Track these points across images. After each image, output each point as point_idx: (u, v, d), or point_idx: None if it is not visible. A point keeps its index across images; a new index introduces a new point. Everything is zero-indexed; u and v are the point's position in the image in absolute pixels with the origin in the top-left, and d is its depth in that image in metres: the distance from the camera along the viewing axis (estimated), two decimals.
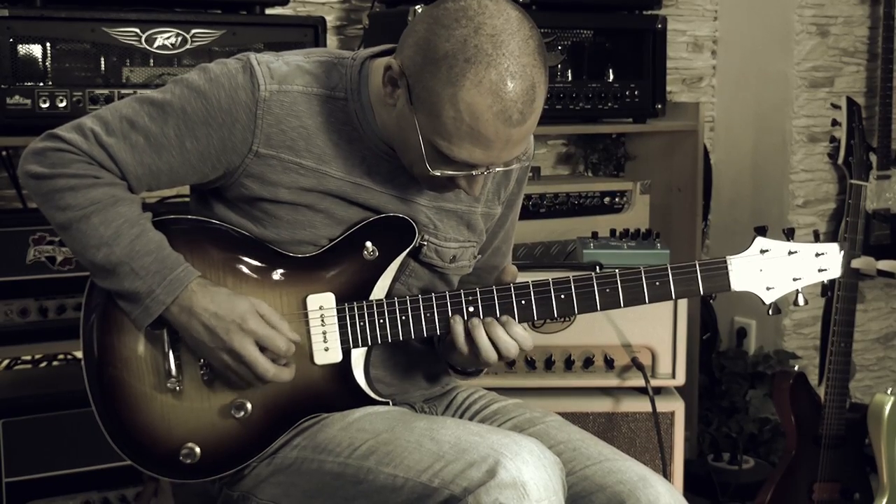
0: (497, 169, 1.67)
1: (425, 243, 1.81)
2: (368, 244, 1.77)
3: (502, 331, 1.74)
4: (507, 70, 1.56)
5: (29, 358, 2.83)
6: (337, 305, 1.76)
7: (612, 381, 2.70)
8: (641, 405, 2.66)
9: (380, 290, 1.78)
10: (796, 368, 3.20)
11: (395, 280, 1.80)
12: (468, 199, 1.84)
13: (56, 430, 2.51)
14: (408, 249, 1.79)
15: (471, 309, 1.76)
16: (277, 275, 1.76)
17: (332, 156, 1.74)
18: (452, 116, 1.58)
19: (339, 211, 1.76)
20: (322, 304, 1.75)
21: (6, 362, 2.79)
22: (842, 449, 3.00)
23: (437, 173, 1.65)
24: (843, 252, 1.83)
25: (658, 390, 2.68)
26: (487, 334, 1.74)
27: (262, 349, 1.70)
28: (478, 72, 1.56)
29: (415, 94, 1.62)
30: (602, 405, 2.68)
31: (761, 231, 1.82)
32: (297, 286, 1.76)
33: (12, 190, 2.80)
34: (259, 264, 1.76)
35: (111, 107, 1.73)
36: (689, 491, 3.07)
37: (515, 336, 1.75)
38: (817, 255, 1.82)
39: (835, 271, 1.83)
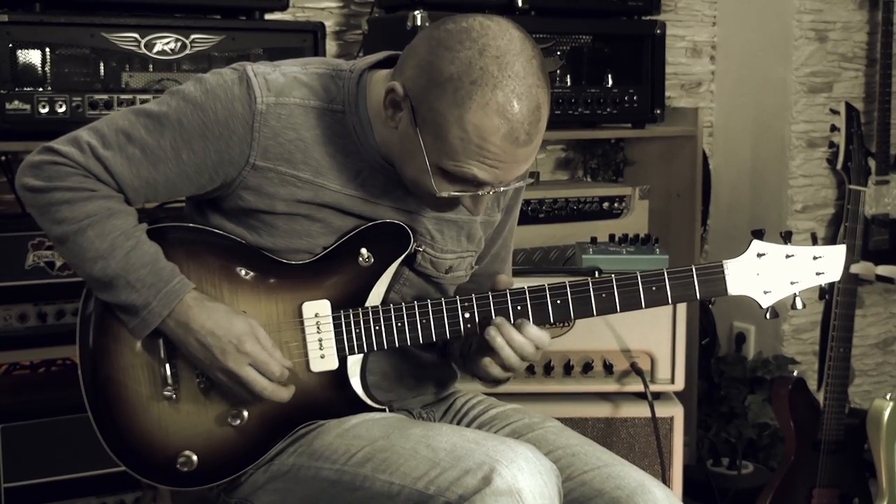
0: (502, 188, 1.67)
1: (420, 251, 1.81)
2: (364, 251, 1.77)
3: (516, 332, 1.74)
4: (514, 91, 1.57)
5: (28, 363, 2.83)
6: (332, 312, 1.76)
7: (610, 387, 2.70)
8: (640, 410, 2.66)
9: (375, 297, 1.78)
10: (795, 374, 3.20)
11: (389, 288, 1.80)
12: None
13: (55, 435, 2.51)
14: (404, 255, 1.79)
15: (466, 315, 1.76)
16: (273, 282, 1.76)
17: (329, 168, 1.74)
18: (460, 138, 1.59)
19: (336, 221, 1.76)
20: (318, 311, 1.75)
21: (5, 367, 2.79)
22: (841, 454, 2.99)
23: (444, 194, 1.65)
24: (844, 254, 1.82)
25: (657, 395, 2.68)
26: (503, 337, 1.74)
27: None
28: (484, 93, 1.56)
29: (419, 116, 1.61)
30: (601, 410, 2.68)
31: (758, 235, 1.82)
32: (292, 293, 1.76)
33: (11, 195, 2.80)
34: (254, 272, 1.76)
35: (107, 119, 1.73)
36: (687, 496, 3.06)
37: (531, 336, 1.74)
38: (815, 258, 1.81)
39: (834, 274, 1.82)
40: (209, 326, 1.69)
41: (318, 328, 1.75)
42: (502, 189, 1.68)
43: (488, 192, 1.67)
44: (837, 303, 2.96)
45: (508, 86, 1.57)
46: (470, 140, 1.58)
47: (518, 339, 1.74)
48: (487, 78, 1.56)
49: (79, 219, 1.68)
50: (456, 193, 1.66)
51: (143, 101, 1.77)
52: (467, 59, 1.57)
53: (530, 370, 2.68)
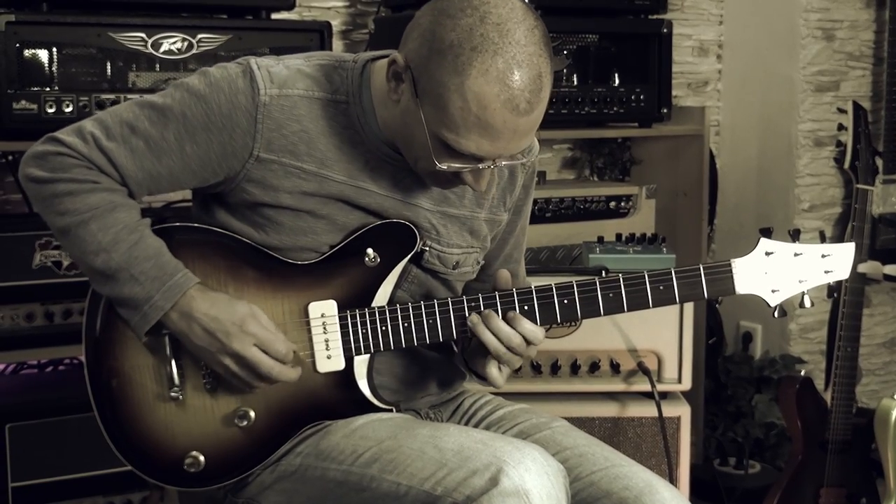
0: (503, 163, 1.67)
1: (427, 249, 1.81)
2: (370, 251, 1.77)
3: (502, 323, 1.74)
4: (514, 59, 1.56)
5: (35, 362, 2.84)
6: (339, 313, 1.75)
7: (618, 386, 2.70)
8: (647, 410, 2.66)
9: (382, 297, 1.78)
10: (802, 373, 3.20)
11: (396, 287, 1.80)
12: (472, 204, 1.84)
13: (62, 434, 2.52)
14: (409, 255, 1.79)
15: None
16: (279, 282, 1.75)
17: (334, 159, 1.74)
18: (459, 107, 1.58)
19: (341, 216, 1.76)
20: (324, 311, 1.75)
21: (12, 367, 2.80)
22: (848, 454, 2.99)
23: (444, 166, 1.65)
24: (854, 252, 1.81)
25: (664, 395, 2.68)
26: (489, 328, 1.74)
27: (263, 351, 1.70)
28: (484, 60, 1.56)
29: (420, 86, 1.61)
30: (608, 410, 2.68)
31: (766, 233, 1.81)
32: (298, 293, 1.76)
33: (18, 195, 2.81)
34: (261, 272, 1.75)
35: (112, 111, 1.73)
36: (695, 496, 3.07)
37: (523, 331, 1.74)
38: (823, 256, 1.80)
39: (843, 272, 1.81)
40: (212, 313, 1.68)
41: (324, 328, 1.75)
42: (503, 164, 1.67)
43: (489, 167, 1.66)
44: (845, 302, 2.95)
45: (509, 52, 1.56)
46: (469, 110, 1.58)
47: (505, 330, 1.73)
48: (488, 45, 1.56)
49: (81, 211, 1.68)
50: (457, 166, 1.65)
51: None
52: (468, 27, 1.57)
53: (537, 369, 2.68)
